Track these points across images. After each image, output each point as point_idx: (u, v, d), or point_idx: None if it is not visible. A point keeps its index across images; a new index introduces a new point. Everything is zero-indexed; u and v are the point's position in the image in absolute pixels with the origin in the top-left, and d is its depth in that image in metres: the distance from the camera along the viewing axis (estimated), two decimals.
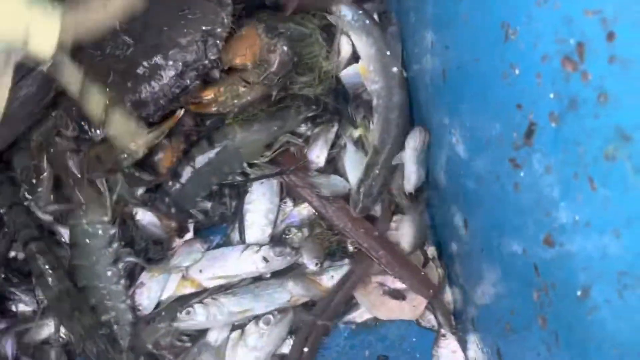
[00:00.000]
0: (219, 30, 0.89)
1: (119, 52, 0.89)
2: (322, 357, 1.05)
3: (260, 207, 1.06)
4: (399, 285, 1.04)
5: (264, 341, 0.99)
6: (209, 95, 0.94)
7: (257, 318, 1.00)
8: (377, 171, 1.01)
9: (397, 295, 1.04)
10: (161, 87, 0.89)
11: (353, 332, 1.06)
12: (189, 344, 1.02)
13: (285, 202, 1.08)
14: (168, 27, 0.89)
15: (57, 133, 0.93)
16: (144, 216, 1.02)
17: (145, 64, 0.89)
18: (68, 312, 0.97)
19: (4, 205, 1.02)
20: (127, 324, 0.99)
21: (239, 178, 1.04)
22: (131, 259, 1.01)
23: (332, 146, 1.07)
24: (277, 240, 1.06)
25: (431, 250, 1.05)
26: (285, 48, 0.90)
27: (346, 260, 1.06)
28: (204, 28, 0.89)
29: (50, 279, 0.98)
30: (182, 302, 1.02)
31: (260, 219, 1.06)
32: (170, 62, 0.89)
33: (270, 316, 0.99)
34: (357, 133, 1.04)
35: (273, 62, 0.91)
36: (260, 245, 1.03)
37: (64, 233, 1.03)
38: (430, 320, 1.05)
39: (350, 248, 1.06)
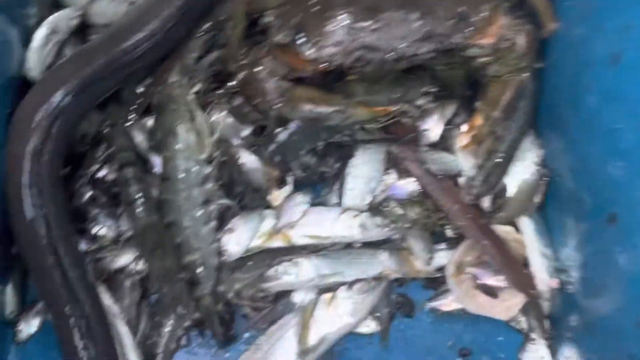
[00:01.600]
0: (475, 18, 0.86)
1: None
2: (404, 339, 0.99)
3: (363, 172, 1.00)
4: (493, 281, 0.98)
5: (356, 309, 0.94)
6: None
7: (350, 284, 0.95)
8: (498, 159, 0.95)
9: (489, 291, 0.99)
10: (398, 41, 0.85)
11: (437, 320, 1.00)
12: (271, 300, 0.97)
13: (388, 173, 1.02)
14: None
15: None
16: (247, 160, 0.97)
17: (394, 11, 0.86)
18: (151, 248, 0.93)
19: (108, 123, 0.97)
20: (212, 267, 0.94)
21: (346, 138, 0.99)
22: (224, 201, 0.96)
23: (448, 122, 1.02)
24: (374, 209, 1.00)
25: None
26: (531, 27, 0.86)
27: (443, 245, 1.00)
28: (460, 10, 0.86)
29: (139, 209, 0.93)
30: (270, 255, 0.97)
31: (361, 184, 1.00)
32: (419, 23, 0.85)
33: (365, 283, 0.94)
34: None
35: (522, 44, 0.88)
36: (360, 211, 0.98)
37: (157, 163, 0.99)
38: (520, 322, 0.99)
39: (450, 233, 1.01)
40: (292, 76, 0.90)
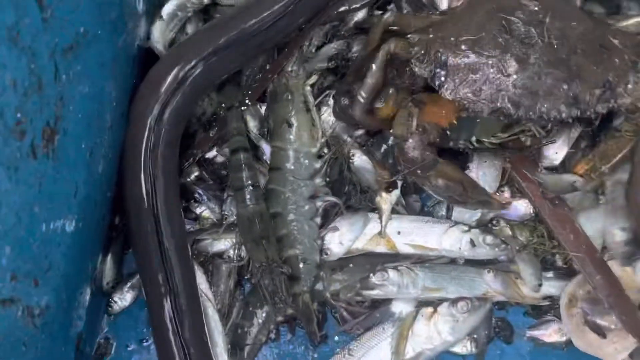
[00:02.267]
0: (621, 89, 0.81)
1: (525, 37, 0.81)
2: None
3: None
4: (603, 321, 0.93)
5: (456, 327, 0.90)
6: None
7: (453, 301, 0.91)
8: None
9: (598, 330, 0.93)
10: (542, 101, 0.81)
11: (536, 350, 0.96)
12: (367, 305, 0.94)
13: (502, 191, 0.97)
14: (582, 52, 0.81)
15: None
16: (359, 159, 0.95)
17: (544, 67, 0.80)
18: (255, 237, 0.90)
19: (225, 106, 0.96)
20: (313, 264, 0.91)
21: (463, 146, 0.94)
22: (331, 198, 0.94)
23: (573, 146, 0.97)
24: (484, 227, 0.96)
25: None
26: None
27: (552, 274, 0.95)
28: (609, 77, 0.81)
29: (248, 196, 0.91)
30: (372, 260, 0.94)
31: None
32: (566, 87, 0.80)
33: (469, 302, 0.90)
34: None
35: None
36: (470, 227, 0.94)
37: (267, 152, 0.97)
38: None
39: (561, 262, 0.96)
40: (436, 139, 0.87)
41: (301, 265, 0.91)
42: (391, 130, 0.88)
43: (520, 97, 0.81)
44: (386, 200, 0.95)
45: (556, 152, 0.95)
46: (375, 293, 0.92)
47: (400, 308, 0.93)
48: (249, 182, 0.91)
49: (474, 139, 0.91)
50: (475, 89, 0.82)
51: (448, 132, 0.89)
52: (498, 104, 0.82)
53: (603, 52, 0.82)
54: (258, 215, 0.91)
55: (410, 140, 0.85)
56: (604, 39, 0.83)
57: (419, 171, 0.87)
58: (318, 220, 0.93)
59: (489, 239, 0.93)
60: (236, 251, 0.94)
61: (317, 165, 0.94)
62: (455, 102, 0.83)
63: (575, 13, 0.85)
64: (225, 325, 0.92)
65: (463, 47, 0.82)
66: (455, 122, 0.87)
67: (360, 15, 0.97)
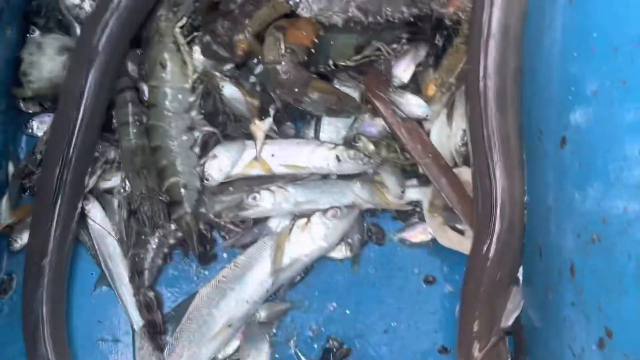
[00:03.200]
0: None
1: None
2: (374, 265, 1.06)
3: None
4: (460, 224, 1.04)
5: (328, 233, 1.00)
6: None
7: (324, 211, 1.01)
8: None
9: (457, 228, 1.04)
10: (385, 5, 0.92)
11: (405, 250, 1.07)
12: (250, 224, 1.04)
13: None
14: None
15: None
16: (229, 91, 1.03)
17: None
18: (137, 168, 0.99)
19: None
20: (194, 189, 1.01)
21: (324, 70, 1.03)
22: (208, 128, 1.03)
23: (419, 64, 1.06)
24: (348, 144, 1.06)
25: None
26: None
27: (415, 181, 1.06)
28: None
29: (133, 130, 1.00)
30: (250, 182, 1.04)
31: (338, 119, 1.06)
32: None
33: (338, 210, 1.00)
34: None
35: None
36: (336, 144, 1.04)
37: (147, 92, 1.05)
38: None
39: (422, 171, 1.07)
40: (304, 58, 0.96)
41: (182, 190, 1.00)
42: (264, 58, 0.96)
43: (367, 4, 0.92)
44: (259, 127, 1.04)
45: (404, 69, 1.05)
46: (251, 213, 1.02)
47: (277, 223, 1.04)
48: (134, 117, 1.00)
49: (331, 62, 1.01)
50: (326, 4, 0.92)
51: (313, 51, 0.98)
52: (349, 14, 0.93)
53: None
54: (140, 148, 1.00)
55: (283, 63, 0.94)
56: None
57: (296, 89, 0.96)
58: (197, 150, 1.02)
59: (352, 153, 1.03)
60: (124, 185, 1.02)
61: (191, 99, 1.02)
62: (313, 20, 0.93)
63: None
64: (126, 254, 1.01)
65: None
66: (317, 41, 0.96)
67: None
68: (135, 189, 0.99)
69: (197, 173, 1.02)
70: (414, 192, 1.06)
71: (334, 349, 1.02)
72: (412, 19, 0.95)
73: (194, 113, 1.02)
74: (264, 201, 1.02)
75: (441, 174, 1.01)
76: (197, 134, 1.02)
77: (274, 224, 1.04)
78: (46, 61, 1.01)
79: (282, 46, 0.95)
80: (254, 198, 1.01)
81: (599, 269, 0.73)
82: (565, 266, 0.81)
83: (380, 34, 1.00)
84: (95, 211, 1.01)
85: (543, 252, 0.89)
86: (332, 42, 1.00)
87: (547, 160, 0.89)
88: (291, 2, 0.94)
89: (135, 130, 1.00)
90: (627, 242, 0.67)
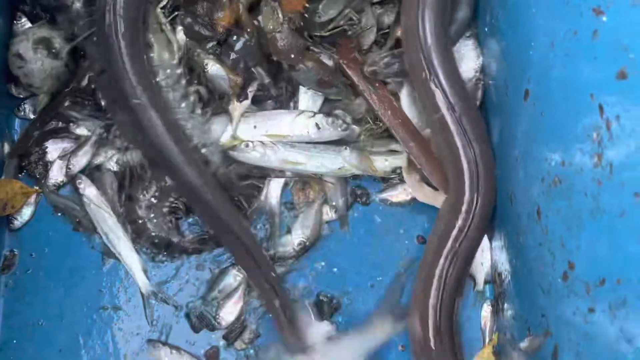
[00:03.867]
0: None
1: None
2: (362, 225, 1.12)
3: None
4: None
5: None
6: None
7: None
8: None
9: (431, 183, 1.10)
10: None
11: (388, 210, 1.13)
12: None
13: None
14: None
15: None
16: (213, 67, 1.07)
17: None
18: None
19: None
20: (214, 145, 1.06)
21: None
22: (197, 87, 1.07)
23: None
24: (327, 112, 1.10)
25: None
26: None
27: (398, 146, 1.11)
28: None
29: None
30: None
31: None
32: None
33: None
34: None
35: None
36: (315, 112, 1.09)
37: None
38: None
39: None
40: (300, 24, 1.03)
41: (204, 150, 1.05)
42: (258, 29, 1.03)
43: None
44: (237, 107, 1.09)
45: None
46: (241, 156, 1.08)
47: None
48: None
49: (306, 34, 1.06)
50: None
51: (306, 15, 1.03)
52: None
53: None
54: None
55: (282, 31, 1.00)
56: None
57: (293, 55, 1.02)
58: (198, 111, 1.06)
59: (331, 121, 1.08)
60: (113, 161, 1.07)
61: (179, 70, 1.06)
62: None
63: None
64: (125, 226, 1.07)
65: None
66: (307, 5, 1.02)
67: None
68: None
69: (208, 130, 1.07)
70: (398, 158, 1.11)
71: (325, 303, 1.07)
72: None
73: (183, 82, 1.06)
74: (255, 150, 1.08)
75: (410, 138, 1.06)
76: (191, 97, 1.06)
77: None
78: (37, 64, 1.04)
79: (280, 15, 1.01)
80: (247, 145, 1.07)
81: (561, 208, 0.79)
82: (532, 210, 0.87)
83: (352, 2, 1.05)
84: (89, 189, 1.06)
85: (513, 199, 0.95)
86: (306, 16, 1.05)
87: (513, 113, 0.94)
88: None
89: None
90: (583, 181, 0.73)
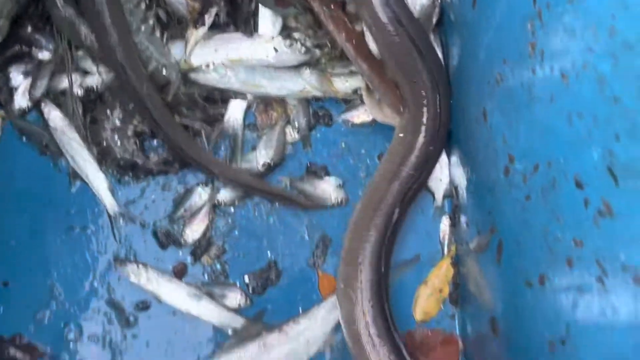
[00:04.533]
0: None
1: None
2: (324, 144, 1.15)
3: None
4: None
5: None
6: None
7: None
8: None
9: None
10: None
11: (350, 131, 1.15)
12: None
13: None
14: None
15: None
16: None
17: None
18: None
19: None
20: (173, 66, 1.08)
21: None
22: (155, 10, 1.09)
23: None
24: (285, 35, 1.11)
25: None
26: None
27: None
28: None
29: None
30: None
31: (271, 12, 1.12)
32: None
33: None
34: None
35: None
36: (273, 37, 1.11)
37: None
38: None
39: None
40: None
41: (164, 70, 1.07)
42: None
43: None
44: (193, 33, 1.10)
45: None
46: (201, 77, 1.10)
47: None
48: None
49: None
50: None
51: None
52: None
53: None
54: None
55: None
56: None
57: None
58: (157, 34, 1.08)
59: (288, 42, 1.09)
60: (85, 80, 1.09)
61: None
62: None
63: None
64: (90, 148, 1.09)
65: None
66: None
67: None
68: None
69: (167, 51, 1.09)
70: (358, 80, 1.12)
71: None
72: None
73: (143, 6, 1.07)
74: (215, 71, 1.10)
75: (363, 60, 1.06)
76: (150, 21, 1.07)
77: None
78: None
79: None
80: (207, 66, 1.09)
81: (503, 105, 0.82)
82: (479, 113, 0.89)
83: None
84: (54, 113, 1.08)
85: (466, 111, 0.98)
86: None
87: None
88: None
89: None
90: (520, 73, 0.75)
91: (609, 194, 0.59)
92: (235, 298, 1.06)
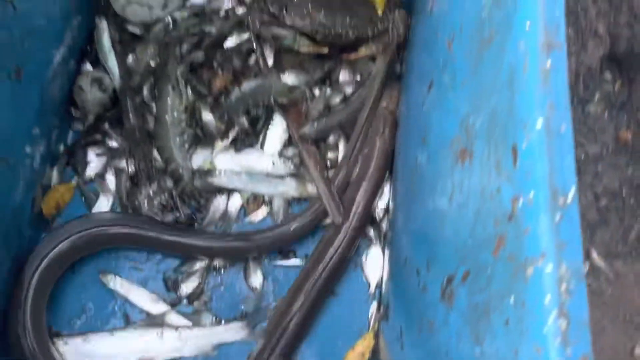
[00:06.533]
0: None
1: None
2: None
3: (277, 130, 1.60)
4: None
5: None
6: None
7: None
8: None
9: None
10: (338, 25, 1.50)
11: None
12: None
13: None
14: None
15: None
16: (206, 116, 1.57)
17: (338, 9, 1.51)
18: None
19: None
20: (188, 170, 1.51)
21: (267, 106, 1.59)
22: (191, 130, 1.55)
23: None
24: (282, 155, 1.59)
25: None
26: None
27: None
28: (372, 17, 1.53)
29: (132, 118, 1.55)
30: None
31: (276, 137, 1.59)
32: (349, 18, 1.51)
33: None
34: None
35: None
36: (273, 154, 1.58)
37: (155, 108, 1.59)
38: None
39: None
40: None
41: (181, 171, 1.50)
42: None
43: (326, 22, 1.49)
44: (219, 145, 1.56)
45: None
46: (215, 180, 1.53)
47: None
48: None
49: (272, 100, 1.57)
50: (303, 17, 1.49)
51: None
52: (316, 26, 1.49)
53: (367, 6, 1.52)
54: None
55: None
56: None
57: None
58: (186, 145, 1.54)
59: (282, 161, 1.56)
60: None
61: (183, 116, 1.52)
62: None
63: None
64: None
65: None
66: None
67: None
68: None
69: (188, 157, 1.54)
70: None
71: None
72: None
73: (183, 124, 1.55)
74: (226, 175, 1.54)
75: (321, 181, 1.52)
76: (185, 136, 1.54)
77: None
78: (91, 95, 1.54)
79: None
80: (220, 173, 1.54)
81: None
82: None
83: (311, 79, 1.57)
84: (109, 179, 1.54)
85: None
86: (272, 87, 1.56)
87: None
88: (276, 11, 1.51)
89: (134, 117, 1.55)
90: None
91: None
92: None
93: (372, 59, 1.59)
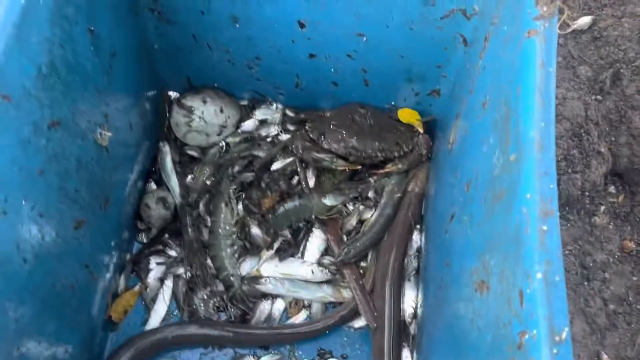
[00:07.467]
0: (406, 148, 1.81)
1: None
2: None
3: (316, 241, 1.81)
4: None
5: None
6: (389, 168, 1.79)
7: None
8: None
9: None
10: (368, 148, 1.75)
11: (352, 335, 1.77)
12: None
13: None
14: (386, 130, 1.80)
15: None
16: (254, 229, 1.79)
17: (369, 133, 1.77)
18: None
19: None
20: (238, 277, 1.73)
21: (308, 221, 1.81)
22: (241, 243, 1.77)
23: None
24: (320, 264, 1.80)
25: None
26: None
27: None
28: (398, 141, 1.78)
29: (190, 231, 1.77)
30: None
31: (315, 248, 1.80)
32: (378, 143, 1.75)
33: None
34: None
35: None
36: (312, 263, 1.79)
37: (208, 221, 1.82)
38: None
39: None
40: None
41: (232, 278, 1.71)
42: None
43: (358, 145, 1.73)
44: (265, 254, 1.76)
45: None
46: (262, 287, 1.74)
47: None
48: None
49: (313, 217, 1.79)
50: (338, 142, 1.74)
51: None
52: (349, 149, 1.73)
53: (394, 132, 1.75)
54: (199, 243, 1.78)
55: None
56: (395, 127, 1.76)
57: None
58: (237, 255, 1.76)
59: (321, 269, 1.76)
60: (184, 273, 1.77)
61: (234, 229, 1.75)
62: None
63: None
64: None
65: (332, 125, 1.78)
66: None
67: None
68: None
69: (238, 265, 1.75)
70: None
71: None
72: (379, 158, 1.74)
73: (234, 236, 1.78)
74: (270, 283, 1.75)
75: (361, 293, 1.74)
76: (235, 247, 1.76)
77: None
78: (156, 212, 1.78)
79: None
80: (266, 281, 1.74)
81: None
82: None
83: (347, 198, 1.80)
84: (168, 284, 1.75)
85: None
86: (313, 205, 1.79)
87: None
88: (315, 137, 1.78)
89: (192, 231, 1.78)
90: None
91: None
92: None
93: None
